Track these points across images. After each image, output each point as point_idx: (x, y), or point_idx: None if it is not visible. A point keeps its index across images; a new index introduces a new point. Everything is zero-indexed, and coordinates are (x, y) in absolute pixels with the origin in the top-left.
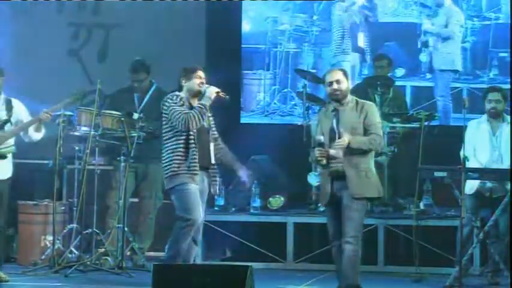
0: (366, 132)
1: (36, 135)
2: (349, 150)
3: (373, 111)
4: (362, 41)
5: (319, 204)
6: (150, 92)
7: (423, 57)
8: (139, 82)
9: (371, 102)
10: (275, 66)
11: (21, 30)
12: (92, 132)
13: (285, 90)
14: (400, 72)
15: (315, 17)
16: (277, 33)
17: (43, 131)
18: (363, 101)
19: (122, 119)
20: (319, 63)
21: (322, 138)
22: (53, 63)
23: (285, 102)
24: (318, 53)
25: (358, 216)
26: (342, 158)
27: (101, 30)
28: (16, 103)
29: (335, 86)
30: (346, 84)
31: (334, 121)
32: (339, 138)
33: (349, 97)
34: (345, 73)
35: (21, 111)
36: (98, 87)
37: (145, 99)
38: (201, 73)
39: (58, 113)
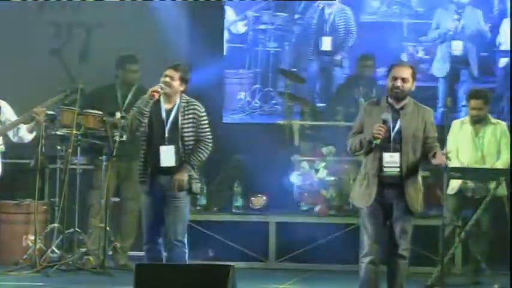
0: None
1: (28, 135)
2: (407, 158)
3: (433, 121)
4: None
5: (301, 204)
6: (133, 90)
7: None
8: (134, 73)
9: (430, 109)
10: (256, 65)
11: (1, 30)
12: (74, 132)
13: (266, 89)
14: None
15: (296, 16)
16: (258, 32)
17: (34, 132)
18: (422, 106)
19: (104, 118)
20: (300, 62)
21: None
22: (34, 63)
23: (266, 101)
24: (299, 52)
25: (411, 230)
26: (398, 164)
27: (82, 30)
28: (3, 104)
29: (399, 83)
30: (410, 85)
31: (390, 121)
32: (395, 141)
33: (408, 99)
34: (413, 72)
35: (8, 112)
36: (80, 86)
37: (128, 98)
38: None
39: (50, 112)
